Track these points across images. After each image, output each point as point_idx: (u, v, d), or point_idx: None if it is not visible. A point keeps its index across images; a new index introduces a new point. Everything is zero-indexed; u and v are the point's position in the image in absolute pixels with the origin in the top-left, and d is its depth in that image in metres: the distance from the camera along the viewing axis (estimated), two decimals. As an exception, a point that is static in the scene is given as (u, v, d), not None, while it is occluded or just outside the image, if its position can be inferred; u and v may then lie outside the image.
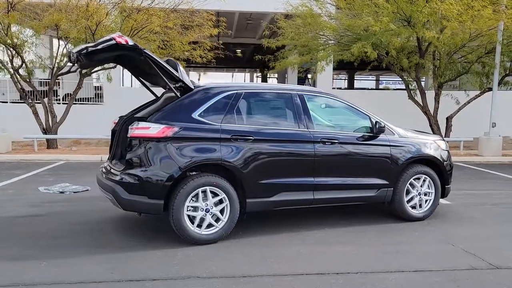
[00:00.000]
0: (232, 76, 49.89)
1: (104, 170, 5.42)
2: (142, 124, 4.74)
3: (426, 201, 5.95)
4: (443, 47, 12.69)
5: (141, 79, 5.96)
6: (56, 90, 17.14)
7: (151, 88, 6.10)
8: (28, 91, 13.43)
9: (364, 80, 47.42)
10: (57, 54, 13.05)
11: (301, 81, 25.91)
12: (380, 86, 48.50)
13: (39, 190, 7.51)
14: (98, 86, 19.72)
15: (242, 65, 37.86)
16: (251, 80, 44.41)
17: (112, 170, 5.12)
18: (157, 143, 4.68)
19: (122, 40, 4.60)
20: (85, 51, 4.61)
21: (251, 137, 4.97)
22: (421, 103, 13.70)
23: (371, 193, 5.63)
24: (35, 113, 13.06)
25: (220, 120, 4.96)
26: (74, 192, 7.39)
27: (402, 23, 11.32)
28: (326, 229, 5.44)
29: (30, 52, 13.01)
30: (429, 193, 5.96)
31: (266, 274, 4.06)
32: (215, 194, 4.84)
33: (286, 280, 3.94)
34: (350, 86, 40.86)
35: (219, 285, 3.83)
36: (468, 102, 13.81)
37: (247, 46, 26.76)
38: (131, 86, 21.95)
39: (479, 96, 13.81)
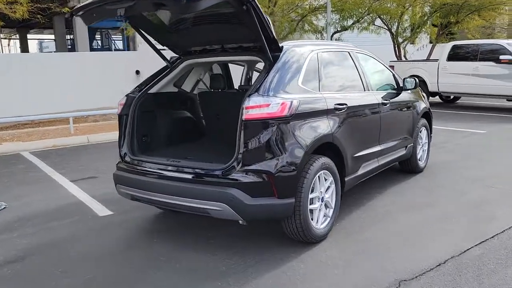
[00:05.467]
0: None
1: (152, 170, 3.81)
2: (259, 100, 3.43)
3: (424, 151, 6.24)
4: (282, 6, 13.15)
5: (143, 32, 4.30)
6: None
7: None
8: None
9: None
10: None
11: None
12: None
13: None
14: None
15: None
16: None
17: (188, 170, 3.65)
18: (280, 123, 3.48)
19: None
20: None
21: (346, 105, 4.21)
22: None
23: (403, 151, 5.56)
24: None
25: (317, 88, 4.02)
26: (-10, 214, 4.94)
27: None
28: (378, 196, 5.14)
29: None
30: (426, 143, 6.26)
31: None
32: (324, 179, 3.97)
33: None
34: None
35: None
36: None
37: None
38: None
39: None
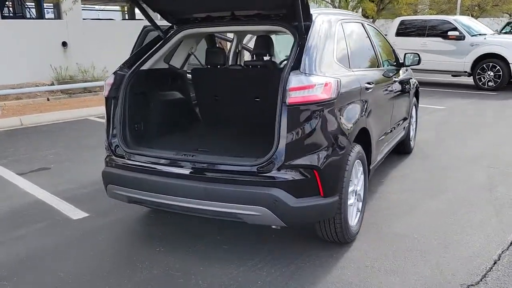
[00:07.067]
0: None
1: (158, 166, 3.07)
2: (302, 80, 2.79)
3: (413, 130, 5.96)
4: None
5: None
6: None
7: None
8: None
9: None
10: None
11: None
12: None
13: None
14: None
15: None
16: None
17: (209, 166, 2.95)
18: (325, 107, 2.88)
19: None
20: None
21: (373, 84, 3.70)
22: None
23: (403, 132, 5.23)
24: None
25: (347, 64, 3.46)
26: None
27: None
28: (383, 182, 4.77)
29: None
30: (414, 122, 5.99)
31: None
32: (357, 170, 3.46)
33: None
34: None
35: None
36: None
37: None
38: None
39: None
